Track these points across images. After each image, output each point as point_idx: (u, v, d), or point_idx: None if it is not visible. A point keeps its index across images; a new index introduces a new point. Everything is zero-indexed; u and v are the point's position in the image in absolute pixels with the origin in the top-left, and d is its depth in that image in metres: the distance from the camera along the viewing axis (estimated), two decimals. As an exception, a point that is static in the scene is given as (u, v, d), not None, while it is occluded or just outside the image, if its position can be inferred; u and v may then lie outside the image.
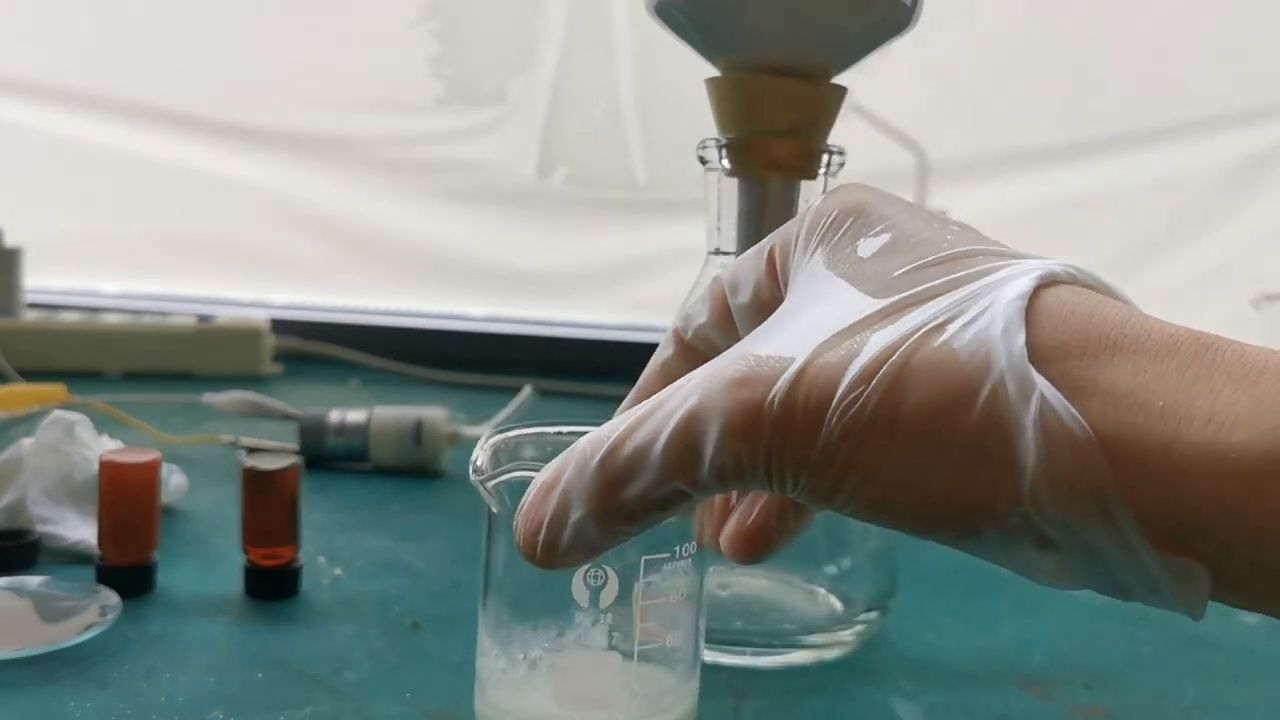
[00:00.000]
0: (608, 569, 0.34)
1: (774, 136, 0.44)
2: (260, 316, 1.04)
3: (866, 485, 0.23)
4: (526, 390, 0.75)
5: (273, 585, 0.49)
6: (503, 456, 0.36)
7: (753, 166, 0.45)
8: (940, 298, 0.24)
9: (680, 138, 1.14)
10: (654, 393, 0.34)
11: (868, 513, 0.24)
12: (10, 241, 1.01)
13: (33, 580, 0.47)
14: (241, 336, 1.01)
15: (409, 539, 0.58)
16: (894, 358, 0.23)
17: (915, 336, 0.23)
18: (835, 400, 0.23)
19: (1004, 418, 0.22)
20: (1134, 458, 0.21)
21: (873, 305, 0.24)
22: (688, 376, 0.26)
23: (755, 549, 0.36)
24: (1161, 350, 0.22)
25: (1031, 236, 1.15)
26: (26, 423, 0.76)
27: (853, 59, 0.45)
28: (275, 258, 1.20)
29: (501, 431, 0.37)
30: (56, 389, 0.77)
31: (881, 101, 0.88)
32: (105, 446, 0.58)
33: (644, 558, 0.34)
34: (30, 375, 0.87)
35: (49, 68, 1.19)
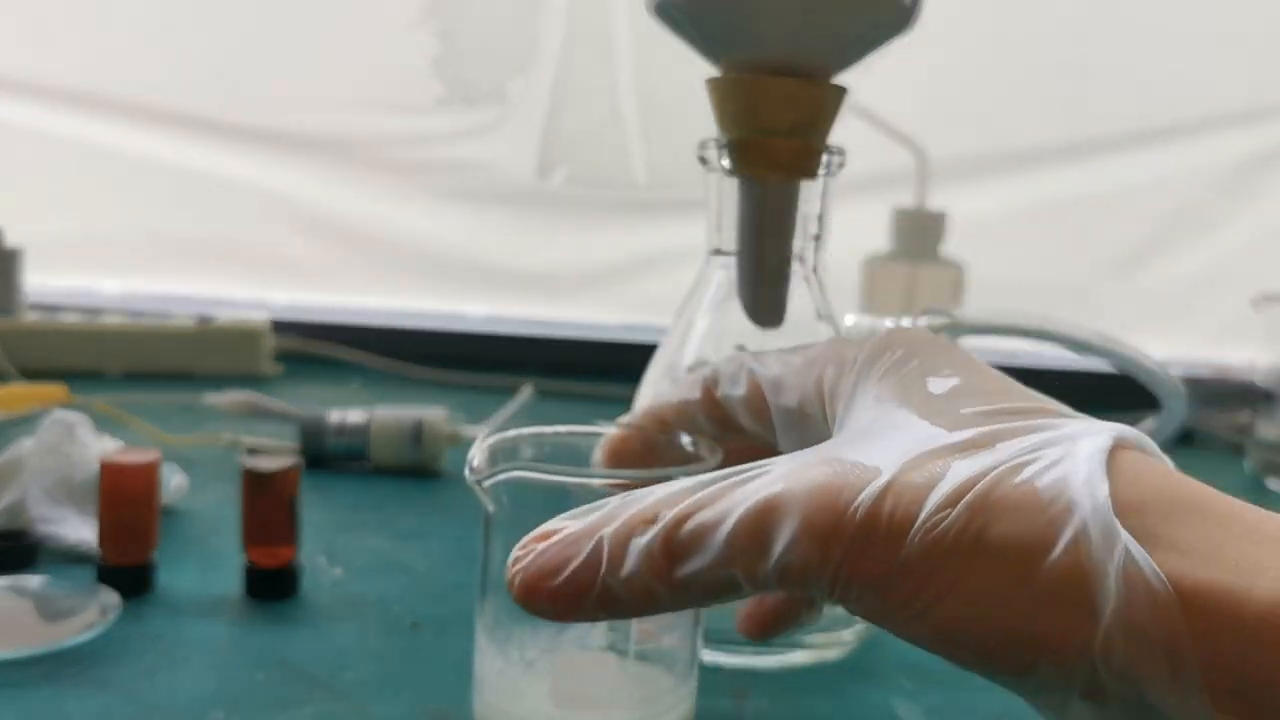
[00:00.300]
0: None
1: (774, 136, 0.44)
2: (260, 316, 1.04)
3: (933, 612, 0.23)
4: (527, 390, 0.75)
5: (273, 585, 0.49)
6: (499, 457, 0.36)
7: (753, 166, 0.45)
8: (1017, 439, 0.24)
9: (680, 138, 1.13)
10: (668, 421, 0.35)
11: (927, 639, 0.24)
12: (10, 242, 1.01)
13: (33, 580, 0.47)
14: (241, 336, 1.00)
15: (409, 539, 0.58)
16: (978, 488, 0.23)
17: (996, 471, 0.23)
18: (920, 520, 0.23)
19: (1085, 564, 0.22)
20: (1206, 613, 0.21)
21: (950, 437, 0.24)
22: (763, 466, 0.26)
23: (771, 629, 0.36)
24: (1229, 516, 0.23)
25: (1032, 236, 1.15)
26: (27, 423, 0.76)
27: (854, 59, 0.45)
28: (275, 258, 1.20)
29: (499, 431, 0.37)
30: (57, 389, 0.77)
31: (881, 101, 0.88)
32: (105, 447, 0.58)
33: None
34: (31, 375, 0.87)
35: (49, 68, 1.19)
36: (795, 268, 0.45)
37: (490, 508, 0.34)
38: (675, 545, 0.25)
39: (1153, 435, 0.62)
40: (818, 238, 0.47)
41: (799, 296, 0.46)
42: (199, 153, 1.19)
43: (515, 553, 0.27)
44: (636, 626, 0.34)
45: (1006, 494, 0.23)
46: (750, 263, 0.45)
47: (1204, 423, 0.95)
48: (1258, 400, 0.84)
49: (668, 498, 0.26)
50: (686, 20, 0.44)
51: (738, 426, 0.34)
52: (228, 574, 0.50)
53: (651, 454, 0.36)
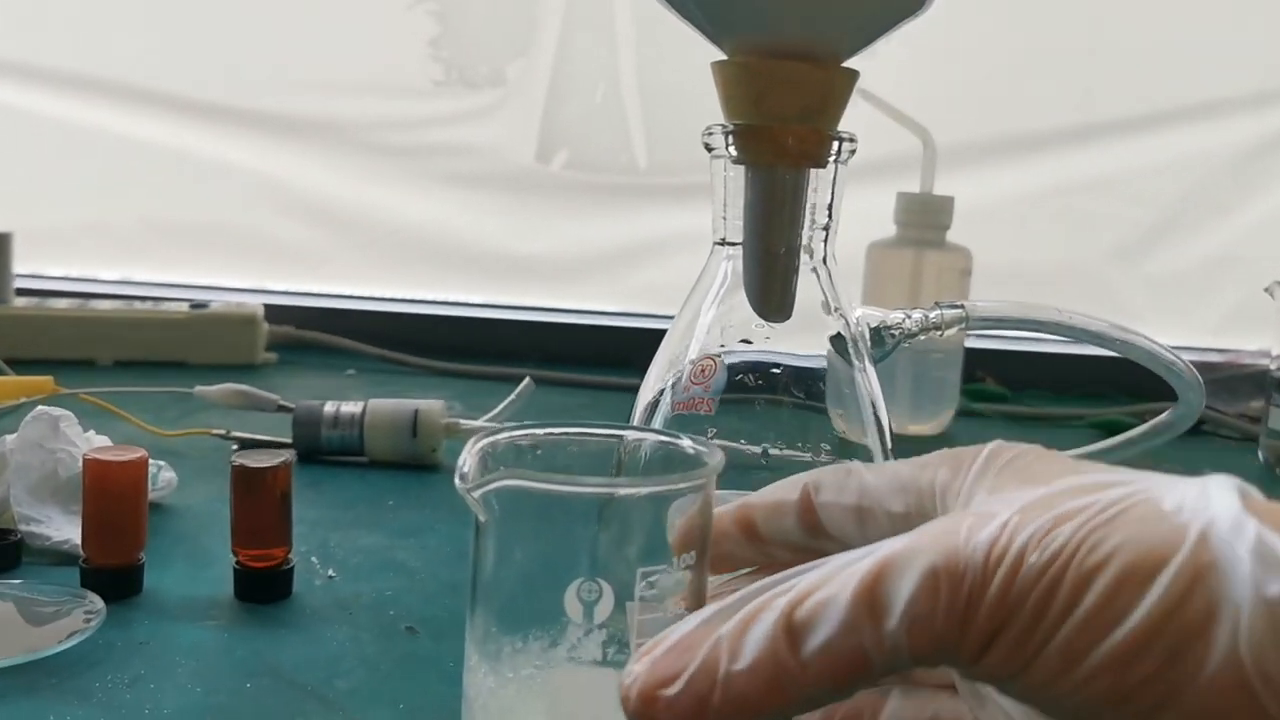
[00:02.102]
0: (602, 582, 0.32)
1: (783, 123, 0.42)
2: (254, 303, 1.02)
3: (1061, 626, 0.22)
4: (526, 381, 0.73)
5: (264, 588, 0.47)
6: (490, 462, 0.35)
7: (761, 154, 0.43)
8: (1136, 481, 0.24)
9: (682, 122, 1.12)
10: (756, 523, 0.34)
11: (1053, 672, 0.22)
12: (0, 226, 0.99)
13: (13, 583, 0.46)
14: (235, 324, 0.99)
15: (405, 536, 0.56)
16: (1094, 505, 0.23)
17: (1113, 496, 0.23)
18: (1034, 538, 0.23)
19: (1216, 553, 0.22)
20: None
21: (1068, 483, 0.24)
22: (870, 546, 0.25)
23: None
24: None
25: (1041, 221, 1.13)
26: (13, 415, 0.74)
27: (865, 42, 0.44)
28: (270, 243, 1.18)
29: (489, 435, 0.35)
30: (44, 380, 0.75)
31: (887, 85, 0.86)
32: (92, 442, 0.56)
33: (640, 570, 0.32)
34: (19, 365, 0.85)
35: (41, 50, 1.17)
36: (804, 259, 0.44)
37: (482, 517, 0.32)
38: (797, 622, 0.24)
39: (1168, 428, 0.61)
40: (827, 228, 0.45)
41: (807, 288, 0.44)
42: (192, 136, 1.17)
43: (628, 667, 0.26)
44: (635, 640, 0.33)
45: (1126, 508, 0.23)
46: (757, 253, 0.44)
47: (1214, 411, 0.93)
48: (1269, 388, 0.83)
49: (776, 590, 0.25)
50: (692, 2, 0.42)
51: (828, 534, 0.32)
52: (217, 574, 0.49)
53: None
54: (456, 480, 0.32)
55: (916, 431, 0.87)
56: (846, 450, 0.46)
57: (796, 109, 0.43)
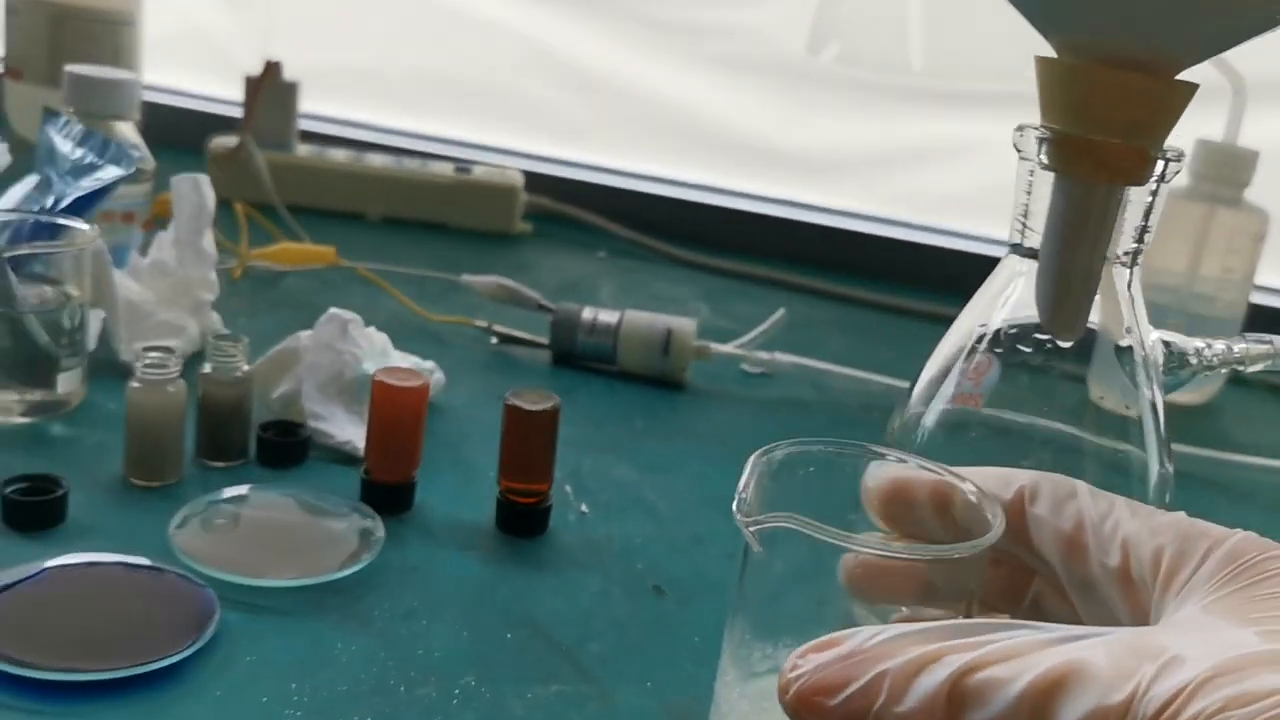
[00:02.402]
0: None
1: (1106, 136, 0.40)
2: (515, 171, 1.04)
3: None
4: (780, 313, 0.73)
5: (524, 523, 0.50)
6: (766, 479, 0.35)
7: (1075, 166, 0.40)
8: None
9: (962, 27, 1.06)
10: (957, 501, 0.33)
11: None
12: (288, 75, 1.03)
13: (303, 492, 0.49)
14: (497, 192, 1.01)
15: (652, 472, 0.58)
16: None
17: None
18: (1204, 714, 0.22)
19: None
20: None
21: (1265, 645, 0.23)
22: (1067, 631, 0.25)
23: None
24: None
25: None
26: (296, 276, 0.79)
27: (1212, 53, 0.40)
28: (534, 108, 1.19)
29: (766, 451, 0.36)
30: (328, 250, 0.80)
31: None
32: (373, 340, 0.59)
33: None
34: (297, 212, 0.89)
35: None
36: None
37: (755, 548, 0.33)
38: (964, 689, 0.24)
39: None
40: (1137, 253, 0.42)
41: (1104, 313, 0.42)
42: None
43: (793, 659, 0.27)
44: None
45: None
46: (1054, 270, 0.42)
47: None
48: None
49: (958, 643, 0.25)
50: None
51: (1029, 545, 0.32)
52: (480, 496, 0.51)
53: (938, 503, 0.34)
54: (734, 508, 0.33)
55: (1182, 400, 0.83)
56: (1118, 456, 0.45)
57: (1123, 123, 0.40)
